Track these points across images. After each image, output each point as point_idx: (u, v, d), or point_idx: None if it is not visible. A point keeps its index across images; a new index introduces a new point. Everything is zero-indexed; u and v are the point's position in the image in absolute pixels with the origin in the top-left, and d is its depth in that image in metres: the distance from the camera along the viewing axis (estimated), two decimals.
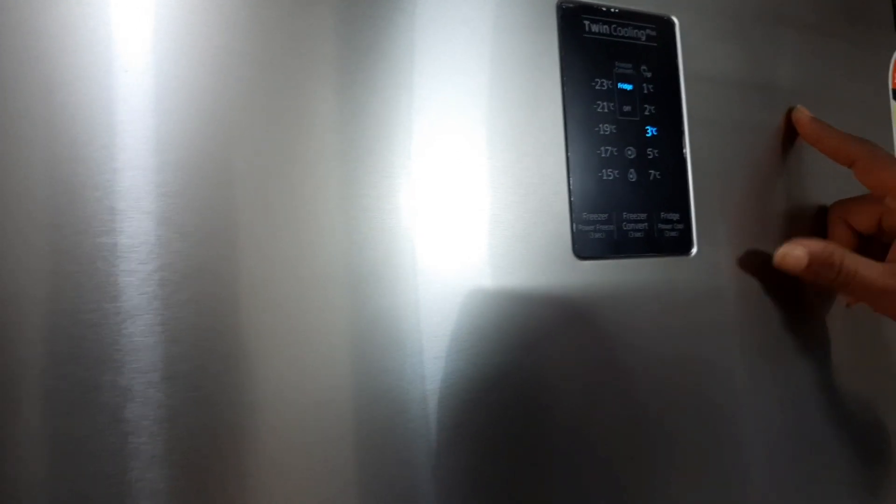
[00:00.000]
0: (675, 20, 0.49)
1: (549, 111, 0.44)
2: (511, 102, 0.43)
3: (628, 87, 0.47)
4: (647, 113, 0.47)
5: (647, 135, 0.47)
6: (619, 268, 0.46)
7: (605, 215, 0.45)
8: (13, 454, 0.30)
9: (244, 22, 0.36)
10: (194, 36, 0.35)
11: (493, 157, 0.42)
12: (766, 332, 0.51)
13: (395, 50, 0.40)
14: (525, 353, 0.42)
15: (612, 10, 0.47)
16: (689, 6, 0.50)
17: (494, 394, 0.41)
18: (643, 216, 0.46)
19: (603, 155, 0.46)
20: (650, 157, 0.47)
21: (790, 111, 0.53)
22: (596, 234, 0.45)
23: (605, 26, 0.47)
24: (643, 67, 0.48)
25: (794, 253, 0.48)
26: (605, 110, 0.46)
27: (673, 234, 0.47)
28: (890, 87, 0.62)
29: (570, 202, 0.44)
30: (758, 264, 0.51)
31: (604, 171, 0.45)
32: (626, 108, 0.47)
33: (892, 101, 0.62)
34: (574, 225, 0.44)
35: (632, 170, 0.46)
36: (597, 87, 0.46)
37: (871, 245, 0.51)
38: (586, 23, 0.46)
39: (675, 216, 0.48)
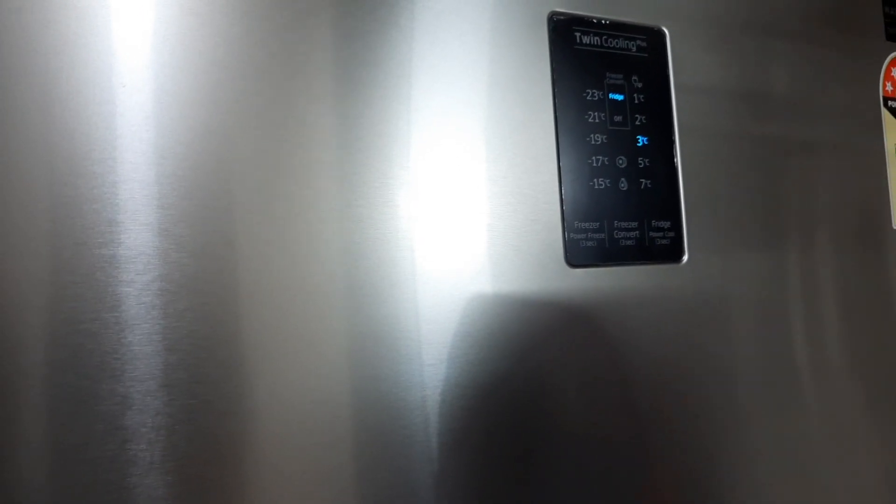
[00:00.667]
0: (666, 31, 0.50)
1: (541, 122, 0.45)
2: (504, 113, 0.44)
3: (619, 97, 0.48)
4: (637, 123, 0.48)
5: (638, 144, 0.48)
6: (611, 275, 0.46)
7: (597, 224, 0.46)
8: (13, 461, 0.31)
9: (240, 37, 0.37)
10: (191, 51, 0.35)
11: (487, 168, 0.43)
12: (756, 337, 0.52)
13: (391, 63, 0.41)
14: (520, 359, 0.42)
15: (603, 21, 0.48)
16: (680, 17, 0.51)
17: (491, 399, 0.41)
18: (634, 224, 0.47)
19: (594, 164, 0.46)
20: (641, 166, 0.48)
21: None
22: (588, 243, 0.45)
23: (596, 38, 0.48)
24: (634, 78, 0.48)
25: None
26: (597, 120, 0.47)
27: (664, 241, 0.48)
28: (881, 94, 0.62)
29: (562, 211, 0.45)
30: (748, 271, 0.51)
31: (595, 180, 0.46)
32: (618, 118, 0.47)
33: (882, 108, 0.62)
34: (566, 233, 0.45)
35: (623, 179, 0.47)
36: (588, 98, 0.47)
37: None
38: (577, 34, 0.47)
39: (667, 224, 0.48)
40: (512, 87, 0.44)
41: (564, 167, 0.45)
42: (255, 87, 0.37)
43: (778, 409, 0.52)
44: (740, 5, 0.54)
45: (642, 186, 0.48)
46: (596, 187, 0.46)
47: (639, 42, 0.49)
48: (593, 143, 0.46)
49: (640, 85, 0.48)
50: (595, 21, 0.48)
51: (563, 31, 0.46)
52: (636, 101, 0.48)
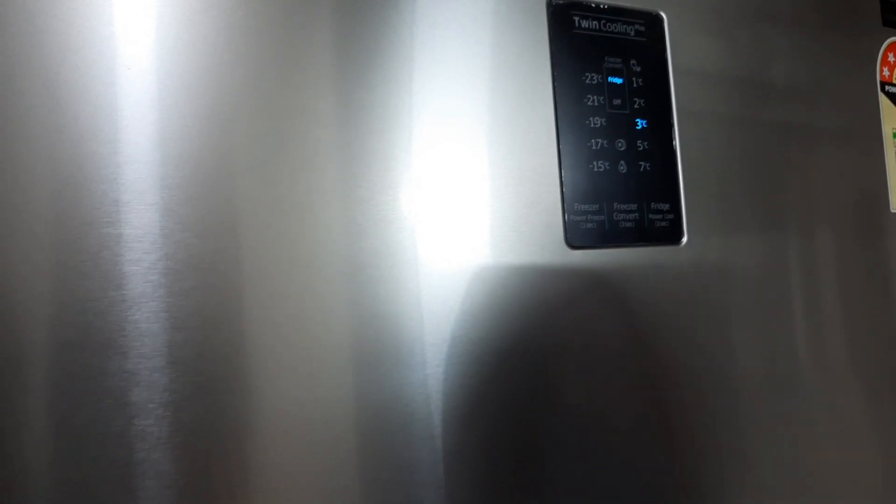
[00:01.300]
0: (664, 15, 0.51)
1: (540, 105, 0.45)
2: (504, 97, 0.44)
3: (618, 80, 0.48)
4: (636, 106, 0.48)
5: (637, 127, 0.48)
6: (611, 257, 0.47)
7: (597, 206, 0.46)
8: (22, 437, 0.31)
9: (244, 20, 0.37)
10: (195, 34, 0.36)
11: (489, 151, 0.43)
12: (754, 319, 0.52)
13: (392, 47, 0.41)
14: (521, 339, 0.43)
15: (602, 6, 0.48)
16: (677, 1, 0.51)
17: (492, 379, 0.42)
18: (634, 206, 0.48)
19: (594, 147, 0.47)
20: (640, 149, 0.48)
21: None
22: (587, 225, 0.46)
23: (595, 22, 0.48)
24: (632, 62, 0.49)
25: None
26: (596, 104, 0.47)
27: (663, 223, 0.48)
28: (878, 79, 0.63)
29: (562, 193, 0.45)
30: (747, 253, 0.52)
31: (595, 163, 0.47)
32: (616, 102, 0.48)
33: (880, 93, 0.63)
34: (566, 215, 0.45)
35: (622, 161, 0.48)
36: (587, 82, 0.47)
37: None
38: (576, 19, 0.47)
39: (666, 206, 0.49)
40: (512, 71, 0.45)
41: (564, 150, 0.46)
42: (259, 69, 0.37)
43: (776, 390, 0.53)
44: None
45: (641, 169, 0.48)
46: (595, 170, 0.47)
47: (637, 26, 0.49)
48: (592, 126, 0.47)
49: (638, 69, 0.49)
50: (594, 5, 0.48)
51: (562, 15, 0.47)
52: (635, 85, 0.49)
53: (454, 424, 0.41)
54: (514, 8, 0.45)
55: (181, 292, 0.34)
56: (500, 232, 0.43)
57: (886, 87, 0.63)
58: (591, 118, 0.47)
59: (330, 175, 0.39)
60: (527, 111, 0.45)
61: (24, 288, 0.32)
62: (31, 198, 0.32)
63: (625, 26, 0.49)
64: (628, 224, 0.47)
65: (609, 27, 0.48)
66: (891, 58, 0.63)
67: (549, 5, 0.46)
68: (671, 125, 0.50)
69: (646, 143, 0.48)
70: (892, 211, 0.61)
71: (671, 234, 0.49)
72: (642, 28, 0.50)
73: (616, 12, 0.49)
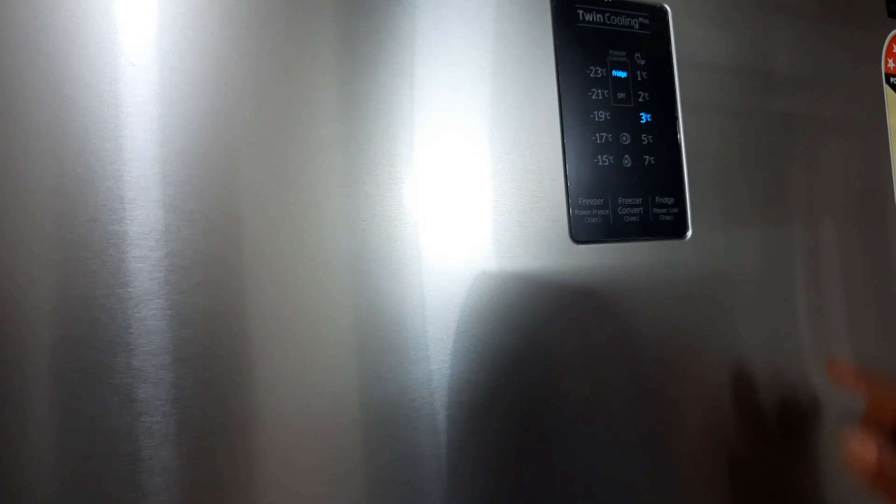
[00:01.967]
0: (668, 8, 0.50)
1: (545, 99, 0.45)
2: (508, 91, 0.44)
3: (622, 74, 0.48)
4: (641, 99, 0.48)
5: (642, 121, 0.48)
6: (616, 251, 0.47)
7: (601, 200, 0.46)
8: (30, 434, 0.31)
9: (246, 15, 0.37)
10: (199, 29, 0.36)
11: (492, 146, 0.43)
12: (759, 312, 0.52)
13: (395, 41, 0.41)
14: (526, 334, 0.43)
15: None
16: None
17: (497, 373, 0.42)
18: (638, 201, 0.47)
19: (598, 141, 0.47)
20: (645, 142, 0.48)
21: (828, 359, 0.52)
22: (592, 219, 0.46)
23: (599, 15, 0.48)
24: (637, 55, 0.49)
25: (865, 457, 0.40)
26: (600, 98, 0.47)
27: (668, 217, 0.48)
28: (883, 71, 0.63)
29: (567, 188, 0.45)
30: (751, 246, 0.52)
31: (599, 157, 0.47)
32: (621, 95, 0.48)
33: (885, 84, 0.63)
34: (571, 210, 0.45)
35: (627, 155, 0.47)
36: (591, 75, 0.47)
37: None
38: (580, 12, 0.47)
39: (670, 200, 0.49)
40: (515, 65, 0.45)
41: (568, 144, 0.46)
42: (262, 64, 0.37)
43: (780, 384, 0.53)
44: None
45: (646, 163, 0.48)
46: (600, 164, 0.46)
47: (641, 19, 0.49)
48: (597, 119, 0.47)
49: (642, 62, 0.49)
50: None
51: (565, 8, 0.47)
52: (639, 79, 0.48)
53: (458, 419, 0.41)
54: (517, 2, 0.45)
55: (188, 289, 0.34)
56: (504, 227, 0.43)
57: (891, 79, 0.63)
58: (596, 112, 0.47)
59: (335, 170, 0.39)
60: (531, 105, 0.45)
61: (30, 285, 0.32)
62: (38, 195, 0.32)
63: (629, 19, 0.49)
64: (633, 218, 0.47)
65: (613, 20, 0.48)
66: None
67: None
68: (675, 119, 0.50)
69: (650, 136, 0.48)
70: None
71: (676, 228, 0.49)
72: (646, 21, 0.49)
73: (620, 5, 0.48)
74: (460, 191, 0.42)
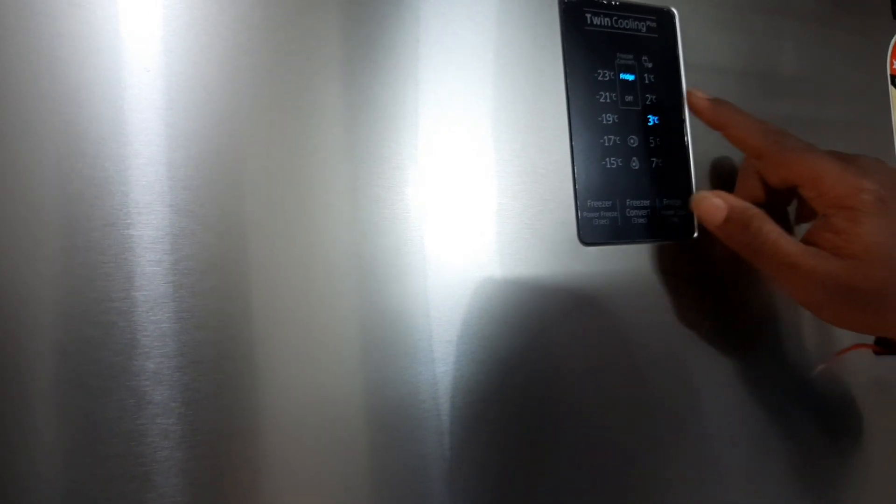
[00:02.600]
0: (675, 11, 0.51)
1: (552, 102, 0.46)
2: (515, 94, 0.44)
3: (630, 77, 0.48)
4: (648, 102, 0.49)
5: (649, 123, 0.49)
6: (624, 253, 0.47)
7: (609, 202, 0.47)
8: (46, 437, 0.32)
9: (252, 20, 0.37)
10: (213, 36, 0.36)
11: (499, 148, 0.44)
12: (767, 314, 0.53)
13: (401, 45, 0.41)
14: (534, 336, 0.43)
15: (613, 2, 0.48)
16: None
17: (504, 375, 0.42)
18: (646, 202, 0.48)
19: (606, 144, 0.47)
20: (652, 145, 0.48)
21: (688, 95, 0.48)
22: (600, 221, 0.46)
23: (607, 18, 0.48)
24: (644, 58, 0.49)
25: (714, 201, 0.44)
26: (608, 100, 0.47)
27: (675, 219, 0.49)
28: (888, 73, 0.63)
29: (575, 190, 0.46)
30: None
31: (607, 159, 0.47)
32: (628, 98, 0.48)
33: (890, 87, 0.63)
34: (579, 212, 0.46)
35: (634, 158, 0.48)
36: (599, 78, 0.47)
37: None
38: (588, 15, 0.47)
39: (678, 202, 0.49)
40: (523, 68, 0.45)
41: (577, 147, 0.46)
42: (269, 70, 0.38)
43: (789, 384, 0.53)
44: None
45: (654, 165, 0.48)
46: (608, 166, 0.47)
47: (649, 23, 0.50)
48: (605, 122, 0.47)
49: (650, 65, 0.49)
50: (605, 2, 0.48)
51: (573, 12, 0.47)
52: (646, 81, 0.49)
53: (464, 422, 0.41)
54: (524, 5, 0.46)
55: (203, 292, 0.35)
56: (512, 229, 0.44)
57: None
58: (604, 115, 0.47)
59: (343, 175, 0.39)
60: (539, 109, 0.45)
61: (47, 289, 0.32)
62: (54, 200, 0.33)
63: (636, 23, 0.49)
64: (641, 220, 0.47)
65: (621, 24, 0.48)
66: None
67: (561, 2, 0.47)
68: (683, 121, 0.50)
69: (658, 139, 0.49)
70: None
71: (683, 230, 0.49)
72: (654, 24, 0.50)
73: (627, 9, 0.49)
74: (467, 194, 0.42)
